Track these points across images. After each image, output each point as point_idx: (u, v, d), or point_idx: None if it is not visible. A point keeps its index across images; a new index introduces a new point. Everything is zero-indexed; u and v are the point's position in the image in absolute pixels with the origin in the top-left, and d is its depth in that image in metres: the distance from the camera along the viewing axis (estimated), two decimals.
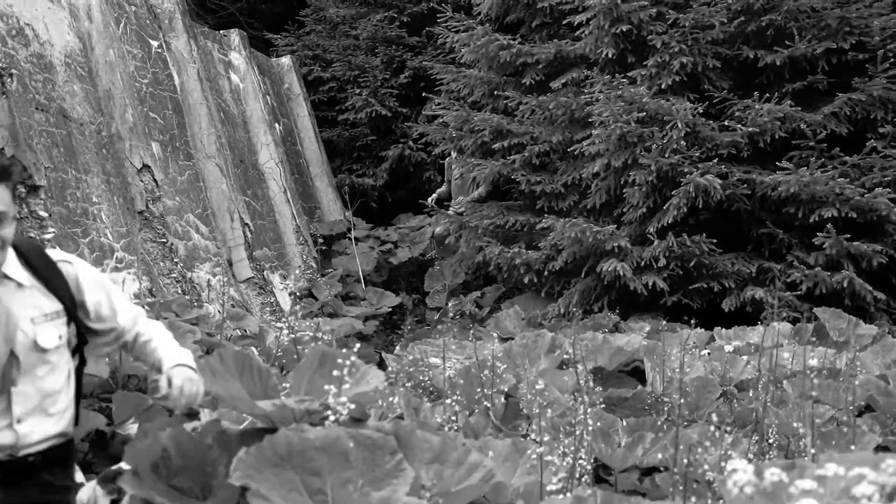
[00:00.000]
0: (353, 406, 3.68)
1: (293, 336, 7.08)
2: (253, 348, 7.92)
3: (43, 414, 3.95)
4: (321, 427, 3.58)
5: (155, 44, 12.65)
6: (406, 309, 14.90)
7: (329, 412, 3.64)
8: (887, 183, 11.17)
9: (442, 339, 8.34)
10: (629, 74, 12.55)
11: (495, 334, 9.34)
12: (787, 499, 2.69)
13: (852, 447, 5.18)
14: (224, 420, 4.34)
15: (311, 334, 6.98)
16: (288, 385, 4.16)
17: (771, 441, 5.32)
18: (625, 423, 6.00)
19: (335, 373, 3.71)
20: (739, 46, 12.45)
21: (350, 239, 16.04)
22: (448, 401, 5.55)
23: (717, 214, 11.67)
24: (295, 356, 7.19)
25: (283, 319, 9.63)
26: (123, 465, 3.73)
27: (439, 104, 15.50)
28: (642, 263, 11.53)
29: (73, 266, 4.10)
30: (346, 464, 3.41)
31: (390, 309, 14.29)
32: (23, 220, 8.76)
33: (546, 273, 12.74)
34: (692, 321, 9.67)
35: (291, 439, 3.42)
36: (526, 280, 12.98)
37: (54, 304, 3.98)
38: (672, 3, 12.83)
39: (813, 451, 4.85)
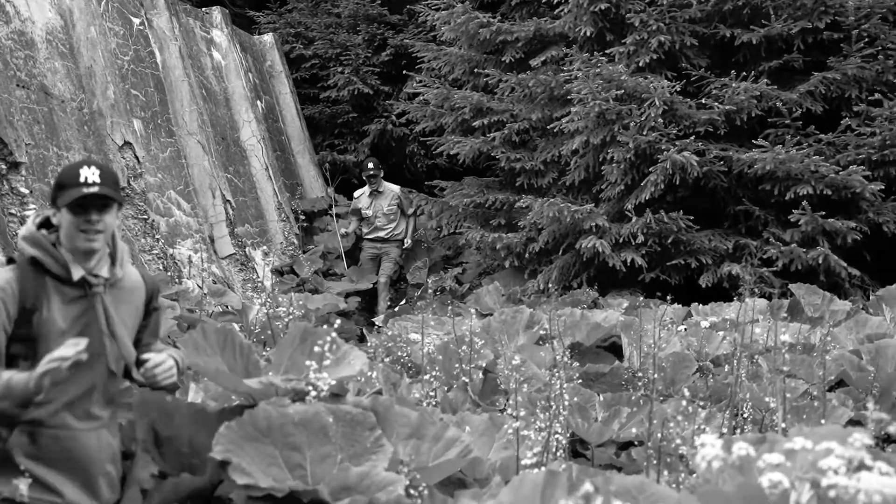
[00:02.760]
0: (333, 383, 3.73)
1: (270, 312, 7.12)
2: (235, 324, 7.97)
3: None
4: (301, 403, 3.62)
5: (136, 21, 12.64)
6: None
7: (310, 388, 3.69)
8: (861, 161, 11.26)
9: (421, 314, 8.40)
10: (608, 52, 12.59)
11: (474, 310, 9.40)
12: (757, 472, 2.74)
13: (823, 421, 5.26)
14: (204, 393, 4.40)
15: (288, 310, 7.02)
16: (270, 360, 4.20)
17: (745, 415, 5.41)
18: (602, 398, 6.08)
19: (316, 349, 3.76)
20: (716, 25, 12.48)
21: (331, 215, 16.03)
22: (426, 376, 5.61)
23: (695, 192, 11.75)
24: (271, 332, 7.25)
25: (262, 295, 9.69)
26: None
27: (420, 82, 15.53)
28: (621, 240, 11.62)
29: None
30: (326, 439, 3.46)
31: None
32: (3, 196, 8.78)
33: (527, 255, 12.83)
34: (669, 297, 9.75)
35: (271, 414, 3.47)
36: (507, 264, 13.08)
37: None
38: None
39: (784, 425, 4.94)
